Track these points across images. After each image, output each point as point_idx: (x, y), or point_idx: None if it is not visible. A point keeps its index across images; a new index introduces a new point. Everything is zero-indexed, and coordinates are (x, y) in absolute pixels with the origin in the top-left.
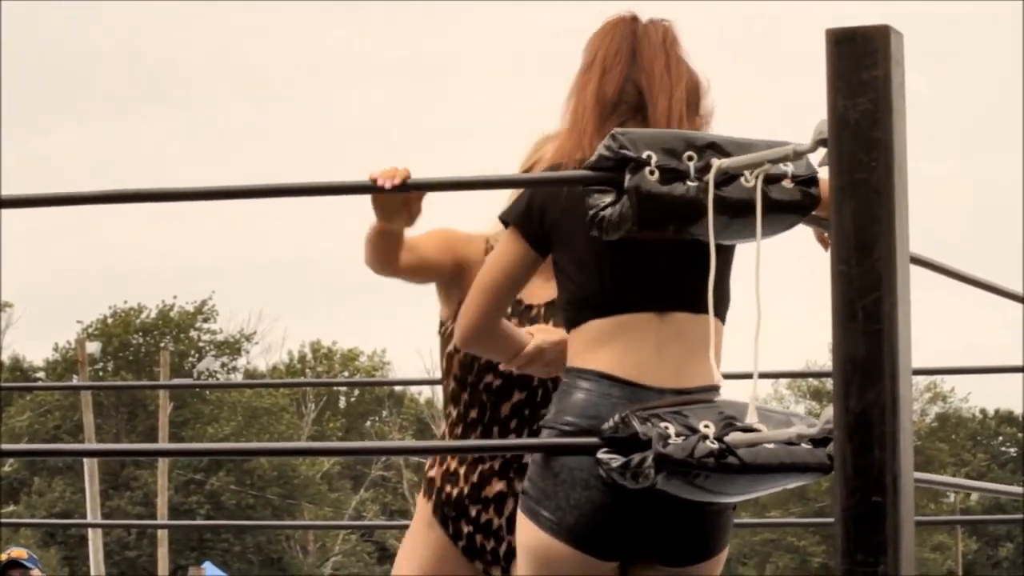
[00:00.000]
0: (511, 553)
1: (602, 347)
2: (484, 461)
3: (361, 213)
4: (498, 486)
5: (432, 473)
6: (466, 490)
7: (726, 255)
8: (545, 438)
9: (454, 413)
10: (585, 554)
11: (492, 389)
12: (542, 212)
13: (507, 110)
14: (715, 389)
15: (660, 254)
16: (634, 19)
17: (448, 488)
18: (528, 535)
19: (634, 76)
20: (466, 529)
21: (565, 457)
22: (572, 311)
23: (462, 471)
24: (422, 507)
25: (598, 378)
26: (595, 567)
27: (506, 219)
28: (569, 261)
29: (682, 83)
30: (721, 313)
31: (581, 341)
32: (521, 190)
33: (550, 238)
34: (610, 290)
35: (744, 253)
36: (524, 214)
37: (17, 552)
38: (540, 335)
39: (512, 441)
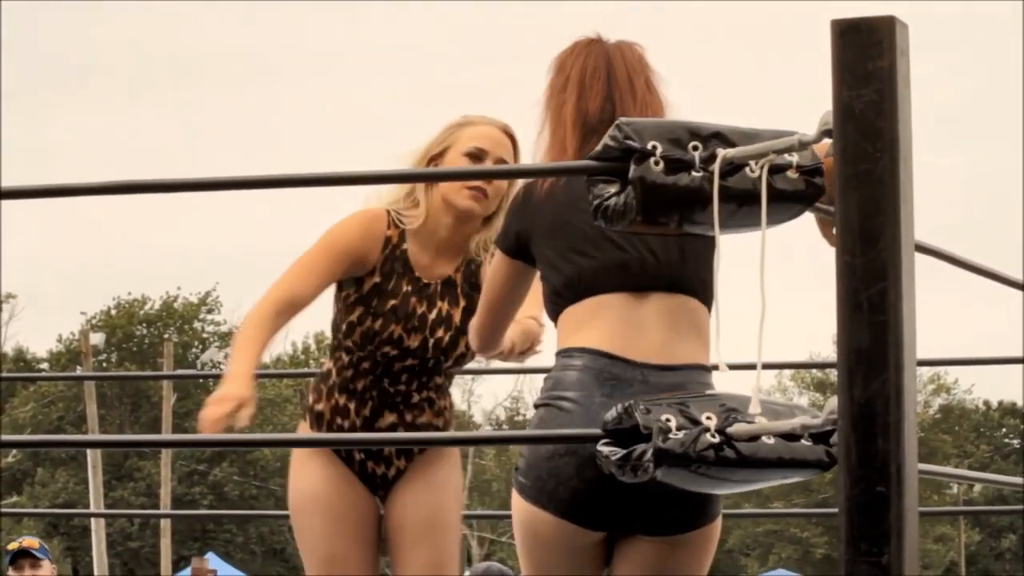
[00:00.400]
0: (399, 475)
1: (584, 327)
2: (375, 399)
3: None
4: (390, 418)
5: (320, 407)
6: (358, 423)
7: (709, 241)
8: (540, 415)
9: (345, 359)
10: (569, 523)
11: (389, 356)
12: (518, 230)
13: (503, 103)
14: (702, 368)
15: (635, 239)
16: (603, 40)
17: (339, 420)
18: (517, 509)
19: (612, 96)
20: (358, 456)
21: (548, 427)
22: (553, 304)
23: (352, 406)
24: (306, 429)
25: (584, 353)
26: (579, 536)
27: (496, 243)
28: (546, 263)
29: (657, 105)
30: (705, 299)
31: (564, 327)
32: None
33: (529, 250)
34: (582, 277)
35: (748, 243)
36: (503, 236)
37: (29, 542)
38: (508, 332)
39: (515, 433)
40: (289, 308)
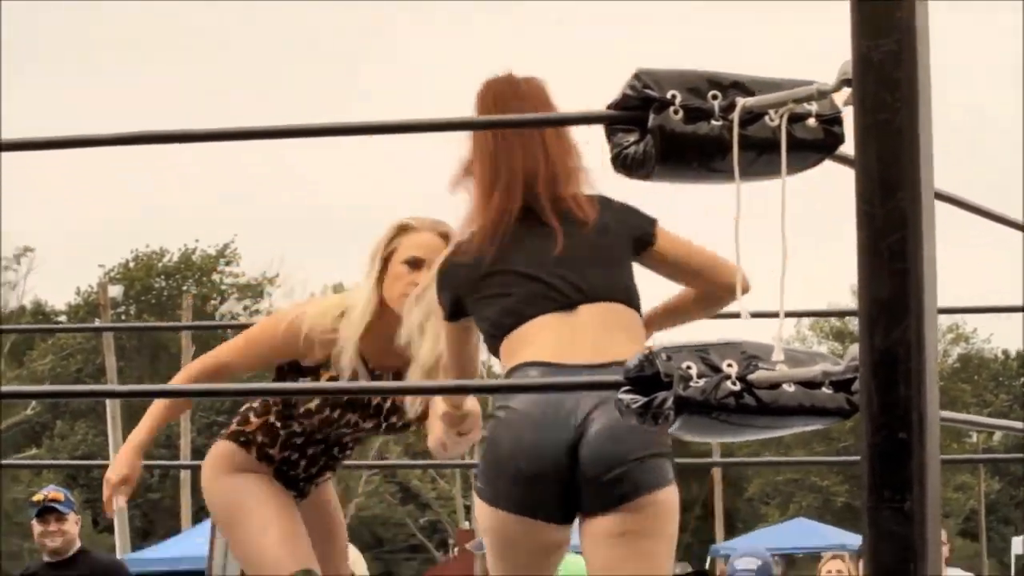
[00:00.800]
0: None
1: (523, 347)
2: (322, 462)
3: (384, 156)
4: (327, 474)
5: (272, 452)
6: (302, 475)
7: (619, 251)
8: (491, 424)
9: (298, 428)
10: (527, 518)
11: (344, 434)
12: (449, 298)
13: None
14: None
15: (552, 271)
16: (517, 78)
17: (286, 469)
18: (481, 514)
19: (543, 139)
20: (293, 494)
21: (497, 432)
22: (490, 340)
23: (302, 464)
24: (243, 454)
25: (526, 366)
26: (538, 529)
27: (446, 319)
28: (477, 313)
29: (567, 141)
30: (630, 302)
31: (505, 353)
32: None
33: (463, 307)
34: (508, 311)
35: (768, 193)
36: (440, 301)
37: (54, 495)
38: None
39: (534, 381)
40: (220, 377)
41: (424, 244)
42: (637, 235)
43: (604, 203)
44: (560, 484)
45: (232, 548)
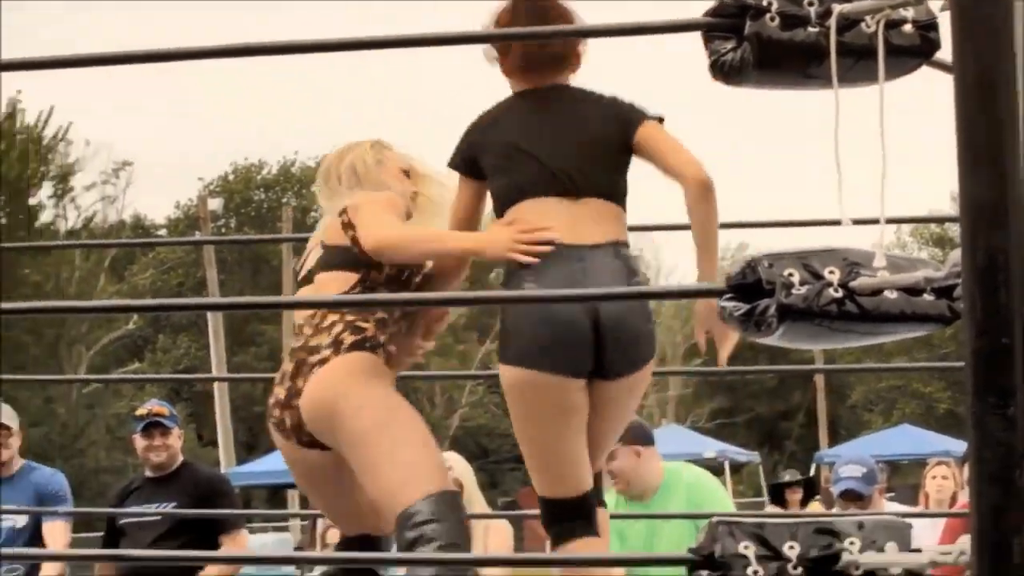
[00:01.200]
0: None
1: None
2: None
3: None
4: None
5: (392, 350)
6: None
7: (619, 148)
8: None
9: (398, 313)
10: (548, 374)
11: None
12: (470, 150)
13: None
14: (624, 244)
15: (552, 158)
16: None
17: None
18: (506, 376)
19: None
20: None
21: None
22: (498, 202)
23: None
24: (376, 362)
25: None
26: (561, 386)
27: (449, 166)
28: (489, 172)
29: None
30: (618, 201)
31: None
32: None
33: (479, 165)
34: (513, 187)
35: (866, 99)
36: (454, 158)
37: (158, 409)
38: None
39: (645, 288)
40: None
41: (405, 158)
42: (622, 131)
43: (595, 96)
44: (581, 345)
45: (378, 459)
